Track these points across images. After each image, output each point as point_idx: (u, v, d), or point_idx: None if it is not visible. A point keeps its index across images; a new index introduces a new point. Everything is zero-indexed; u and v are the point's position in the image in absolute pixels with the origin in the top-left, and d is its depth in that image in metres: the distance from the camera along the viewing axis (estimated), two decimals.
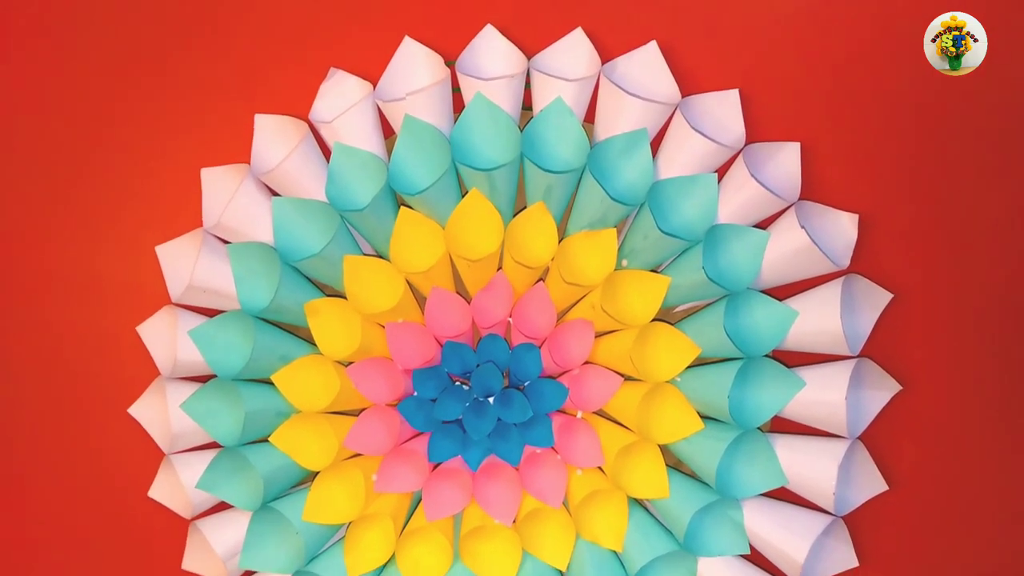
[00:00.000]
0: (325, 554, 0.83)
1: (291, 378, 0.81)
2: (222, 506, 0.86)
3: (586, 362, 0.81)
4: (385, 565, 0.83)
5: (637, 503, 0.83)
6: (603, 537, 0.81)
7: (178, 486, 0.85)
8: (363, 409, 0.82)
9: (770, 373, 0.80)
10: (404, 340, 0.80)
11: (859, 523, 0.83)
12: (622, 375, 0.81)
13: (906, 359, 0.84)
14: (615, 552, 0.82)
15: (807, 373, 0.80)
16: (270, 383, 0.82)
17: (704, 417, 0.80)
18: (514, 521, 0.81)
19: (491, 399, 0.82)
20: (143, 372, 0.87)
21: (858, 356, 0.81)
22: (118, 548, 0.92)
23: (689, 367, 0.80)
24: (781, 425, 0.83)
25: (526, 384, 0.82)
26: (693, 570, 0.81)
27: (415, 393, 0.81)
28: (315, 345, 0.82)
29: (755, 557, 0.82)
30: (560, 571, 0.83)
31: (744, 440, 0.80)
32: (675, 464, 0.84)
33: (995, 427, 0.86)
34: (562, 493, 0.80)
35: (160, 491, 0.86)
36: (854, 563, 0.82)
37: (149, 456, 0.87)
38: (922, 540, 0.87)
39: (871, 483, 0.82)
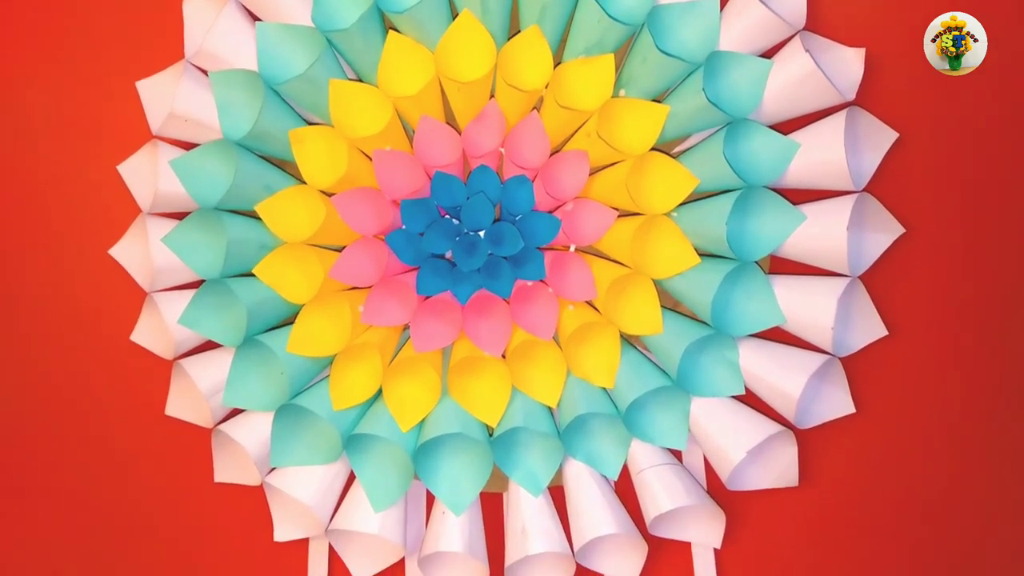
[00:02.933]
0: (310, 389, 0.81)
1: (275, 208, 0.78)
2: (206, 347, 0.84)
3: (580, 197, 0.79)
4: (372, 401, 0.81)
5: (631, 346, 0.81)
6: (594, 374, 0.79)
7: (161, 325, 0.83)
8: None
9: (770, 205, 0.78)
10: (392, 168, 0.77)
11: (857, 373, 0.81)
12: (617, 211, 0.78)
13: (910, 205, 0.82)
14: (606, 390, 0.80)
15: (809, 208, 0.78)
16: (254, 217, 0.79)
17: (703, 255, 0.77)
18: (503, 355, 0.79)
19: (481, 233, 0.79)
20: (125, 216, 0.85)
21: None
22: (101, 397, 0.90)
23: (687, 203, 0.78)
24: (781, 268, 0.81)
25: (518, 218, 0.79)
26: (686, 410, 0.79)
27: (403, 226, 0.79)
28: (301, 181, 0.80)
29: (750, 400, 0.81)
30: (550, 408, 0.81)
31: (742, 276, 0.78)
32: (672, 306, 0.82)
33: (1000, 276, 0.84)
34: (553, 326, 0.78)
35: (142, 333, 0.84)
36: (851, 409, 0.80)
37: (133, 302, 0.85)
38: (920, 391, 0.85)
39: (871, 327, 0.80)
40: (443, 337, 0.78)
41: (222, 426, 0.82)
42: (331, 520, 0.82)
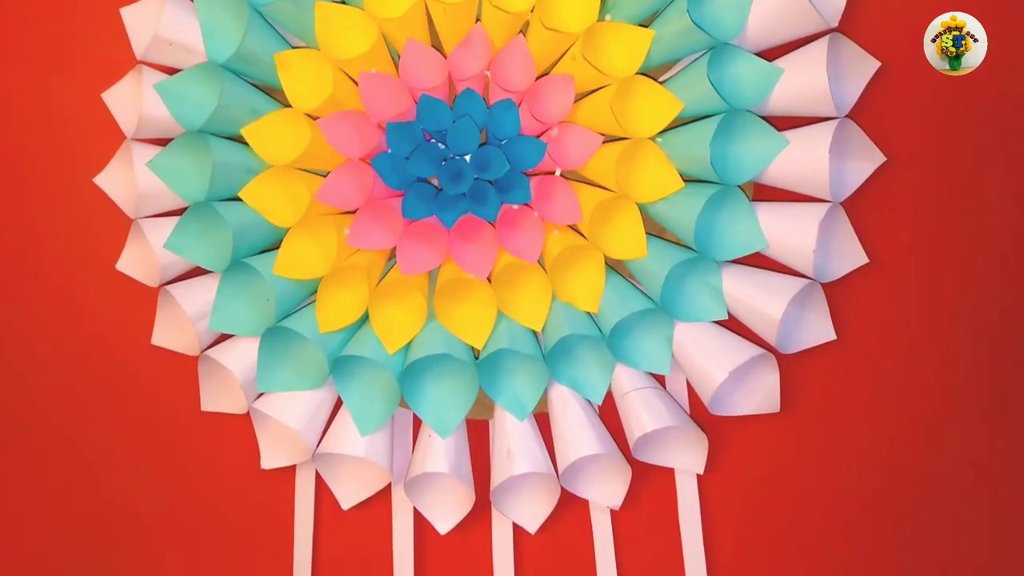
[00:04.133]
0: (297, 313, 0.81)
1: (261, 131, 0.78)
2: (192, 275, 0.84)
3: (566, 122, 0.79)
4: (359, 326, 0.81)
5: (616, 272, 0.82)
6: (579, 299, 0.80)
7: (146, 251, 0.82)
8: None
9: (754, 129, 0.78)
10: (377, 90, 0.77)
11: (838, 302, 0.82)
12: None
13: (891, 136, 0.82)
14: (591, 315, 0.81)
15: (791, 134, 0.78)
16: (240, 141, 0.79)
17: (687, 180, 0.78)
18: (489, 279, 0.80)
19: (467, 157, 0.79)
20: (110, 146, 0.85)
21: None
22: (85, 330, 0.90)
23: (671, 128, 0.78)
24: (764, 196, 0.82)
25: (503, 142, 0.79)
26: (669, 334, 0.80)
27: (389, 149, 0.79)
28: (287, 106, 0.80)
29: (733, 326, 0.81)
30: (535, 332, 0.82)
31: (725, 201, 0.78)
32: (658, 232, 0.82)
33: (979, 206, 0.85)
34: (538, 249, 0.78)
35: (128, 261, 0.84)
36: (832, 336, 0.81)
37: (119, 233, 0.85)
38: (900, 320, 0.86)
39: (851, 254, 0.80)
40: (429, 260, 0.79)
41: (209, 351, 0.82)
42: (317, 448, 0.83)
